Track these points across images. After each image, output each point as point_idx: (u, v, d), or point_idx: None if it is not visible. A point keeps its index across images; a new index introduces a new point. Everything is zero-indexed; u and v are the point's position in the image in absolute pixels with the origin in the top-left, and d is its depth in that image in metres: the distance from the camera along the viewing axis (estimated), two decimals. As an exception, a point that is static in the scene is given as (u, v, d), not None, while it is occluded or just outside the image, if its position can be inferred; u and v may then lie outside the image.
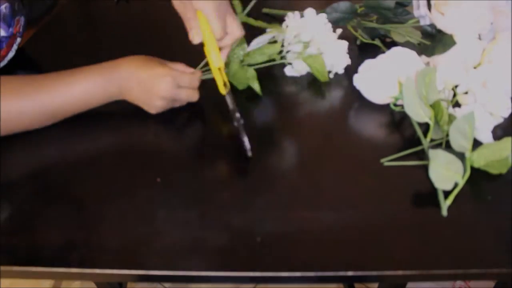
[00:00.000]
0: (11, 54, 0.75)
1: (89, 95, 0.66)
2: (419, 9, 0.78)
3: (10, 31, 0.71)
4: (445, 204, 0.57)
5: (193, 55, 0.73)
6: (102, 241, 0.54)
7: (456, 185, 0.58)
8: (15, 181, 0.61)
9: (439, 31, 0.77)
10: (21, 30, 0.76)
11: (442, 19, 0.74)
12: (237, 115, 0.64)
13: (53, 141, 0.65)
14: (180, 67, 0.70)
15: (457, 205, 0.57)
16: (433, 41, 0.77)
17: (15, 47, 0.76)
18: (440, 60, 0.73)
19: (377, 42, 0.86)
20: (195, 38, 0.64)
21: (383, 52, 0.72)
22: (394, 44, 0.82)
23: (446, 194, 0.58)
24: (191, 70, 0.71)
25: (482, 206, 0.59)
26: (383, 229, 0.55)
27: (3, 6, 0.66)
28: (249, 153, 0.63)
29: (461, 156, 0.59)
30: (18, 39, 0.76)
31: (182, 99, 0.70)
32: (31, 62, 0.82)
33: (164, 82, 0.66)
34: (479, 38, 0.74)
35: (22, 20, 0.75)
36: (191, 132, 0.69)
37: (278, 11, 0.97)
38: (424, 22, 0.79)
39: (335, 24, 0.83)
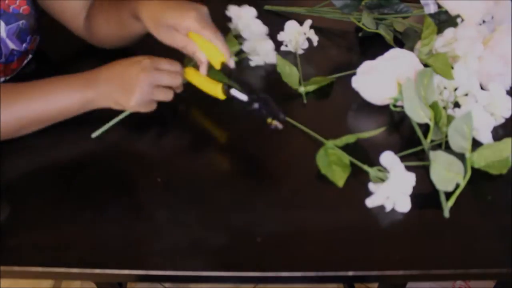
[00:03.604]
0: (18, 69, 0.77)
1: (67, 102, 0.63)
2: None
3: (24, 47, 0.73)
4: (447, 206, 0.56)
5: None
6: (102, 241, 0.54)
7: (457, 186, 0.58)
8: (15, 182, 0.61)
9: (445, 12, 0.78)
10: (34, 48, 0.78)
11: (449, 1, 0.75)
12: (255, 101, 0.62)
13: (53, 141, 0.65)
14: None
15: (457, 206, 0.57)
16: (439, 21, 0.77)
17: (25, 62, 0.78)
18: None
19: (380, 31, 0.83)
20: (202, 57, 0.64)
21: (384, 47, 0.72)
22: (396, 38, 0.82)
23: (447, 195, 0.58)
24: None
25: (482, 207, 0.59)
26: (383, 229, 0.55)
27: (20, 22, 0.71)
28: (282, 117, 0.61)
29: (461, 157, 0.59)
30: (30, 56, 0.78)
31: (163, 82, 0.64)
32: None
33: (140, 65, 0.62)
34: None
35: (38, 39, 0.78)
36: (191, 132, 0.69)
37: (280, 7, 0.94)
38: (428, 10, 0.79)
39: (342, 10, 0.81)
